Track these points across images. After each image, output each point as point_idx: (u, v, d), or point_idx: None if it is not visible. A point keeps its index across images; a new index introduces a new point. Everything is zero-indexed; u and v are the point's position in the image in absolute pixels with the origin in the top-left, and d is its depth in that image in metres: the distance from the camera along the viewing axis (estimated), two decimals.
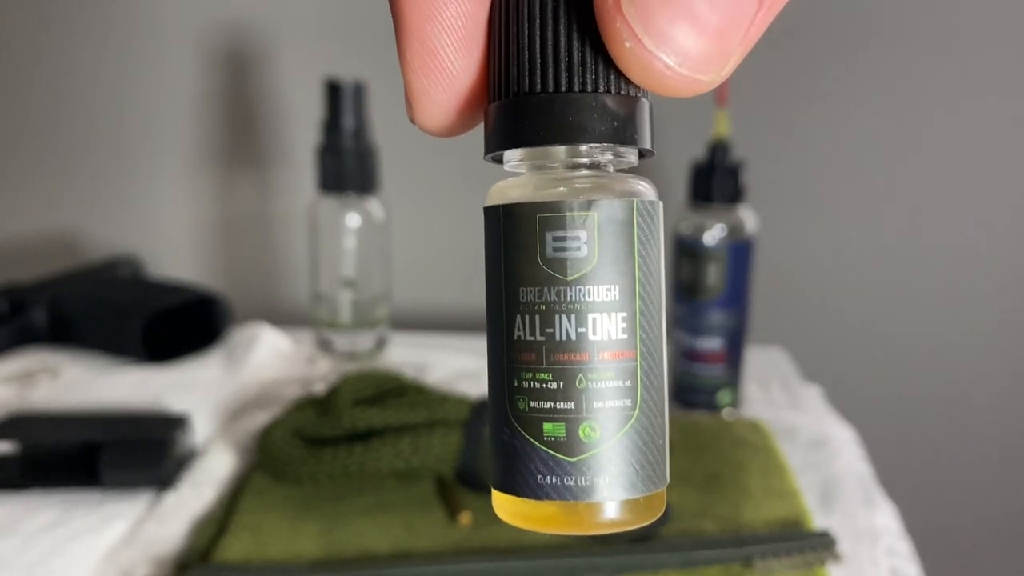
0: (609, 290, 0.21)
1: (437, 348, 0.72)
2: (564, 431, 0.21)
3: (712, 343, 0.59)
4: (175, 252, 0.91)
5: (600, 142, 0.21)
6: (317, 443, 0.48)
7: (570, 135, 0.21)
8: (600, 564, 0.40)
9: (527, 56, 0.21)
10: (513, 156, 0.23)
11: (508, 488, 0.22)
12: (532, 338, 0.21)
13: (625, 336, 0.21)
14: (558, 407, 0.21)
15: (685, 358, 0.60)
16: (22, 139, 0.91)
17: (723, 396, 0.60)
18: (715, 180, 0.58)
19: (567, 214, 0.21)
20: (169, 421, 0.52)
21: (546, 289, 0.21)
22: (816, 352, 0.83)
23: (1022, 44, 0.78)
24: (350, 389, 0.50)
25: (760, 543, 0.41)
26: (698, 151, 0.59)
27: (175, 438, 0.50)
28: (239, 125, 0.87)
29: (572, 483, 0.21)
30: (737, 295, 0.58)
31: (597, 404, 0.21)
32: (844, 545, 0.44)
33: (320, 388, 0.62)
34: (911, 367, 0.88)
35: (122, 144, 0.89)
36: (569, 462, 0.21)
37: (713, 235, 0.58)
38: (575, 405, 0.21)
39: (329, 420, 0.48)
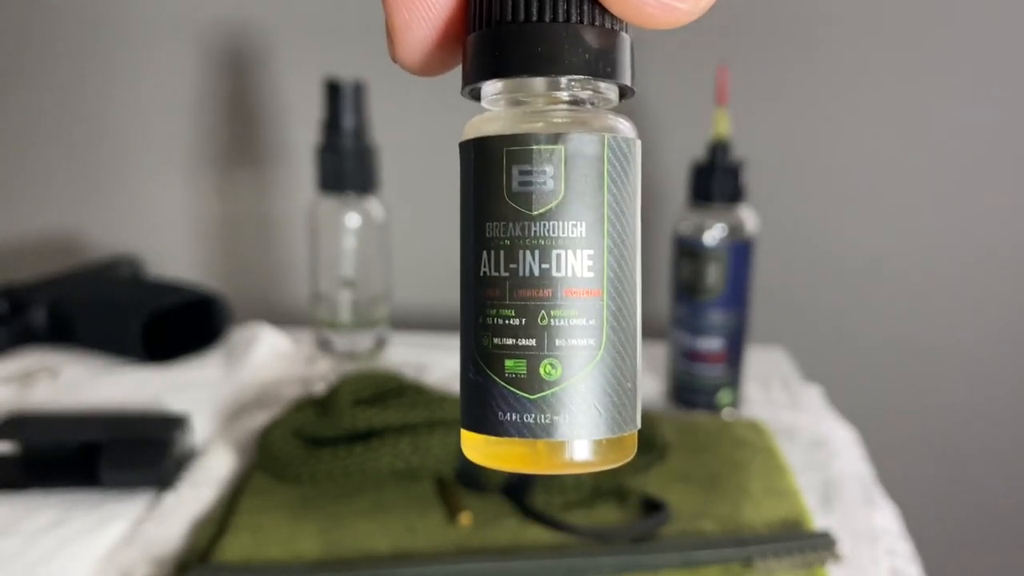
0: (575, 226, 0.21)
1: (437, 348, 0.72)
2: (525, 368, 0.21)
3: (712, 343, 0.59)
4: (175, 252, 0.91)
5: (577, 74, 0.21)
6: (317, 443, 0.48)
7: (547, 66, 0.21)
8: (600, 564, 0.40)
9: None
10: (490, 90, 0.22)
11: (472, 425, 0.22)
12: (496, 274, 0.21)
13: (591, 274, 0.21)
14: (520, 344, 0.21)
15: (685, 358, 0.60)
16: (22, 139, 0.91)
17: (723, 396, 0.60)
18: (715, 180, 0.58)
19: (534, 147, 0.21)
20: (169, 421, 0.52)
21: (511, 224, 0.21)
22: (816, 352, 0.83)
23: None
24: (350, 389, 0.50)
25: (760, 543, 0.41)
26: (698, 151, 0.59)
27: (175, 438, 0.50)
28: (239, 125, 0.87)
29: (531, 420, 0.21)
30: (737, 295, 0.58)
31: (559, 342, 0.21)
32: (844, 545, 0.44)
33: (320, 388, 0.62)
34: (911, 367, 0.88)
35: (122, 144, 0.89)
36: (529, 399, 0.21)
37: (713, 235, 0.58)
38: (536, 342, 0.21)
39: (329, 420, 0.48)
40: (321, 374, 0.66)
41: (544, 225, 0.21)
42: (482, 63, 0.21)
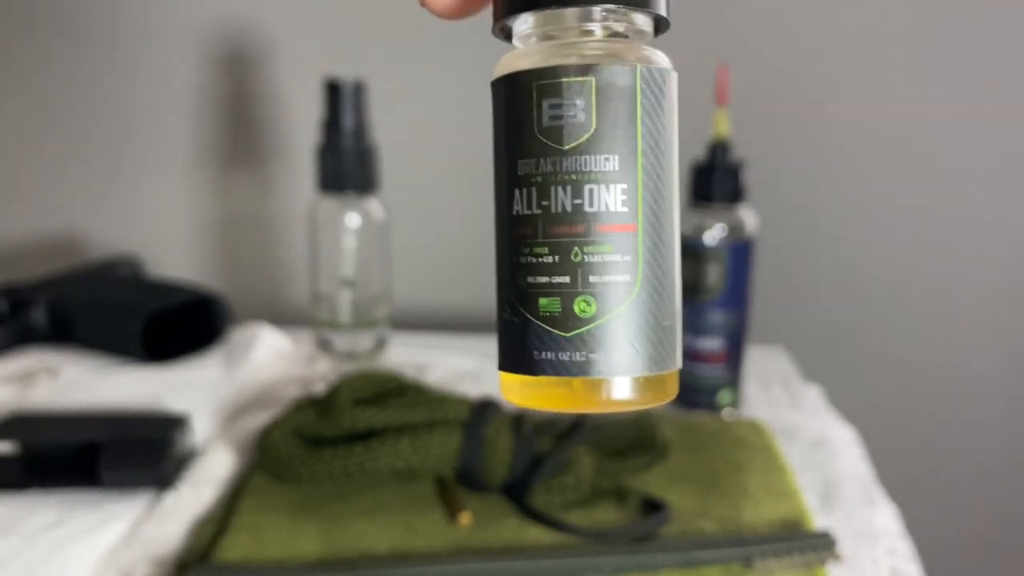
0: (608, 160, 0.20)
1: (437, 348, 0.72)
2: (559, 306, 0.21)
3: (712, 343, 0.59)
4: (175, 252, 0.91)
5: (609, 3, 0.20)
6: (317, 443, 0.48)
7: None
8: (600, 564, 0.40)
9: None
10: (522, 26, 0.22)
11: (509, 366, 0.22)
12: (529, 211, 0.21)
13: (625, 209, 0.21)
14: (554, 281, 0.21)
15: (685, 358, 0.60)
16: (22, 139, 0.91)
17: (723, 396, 0.60)
18: (715, 180, 0.58)
19: (563, 80, 0.20)
20: (169, 421, 0.52)
21: (542, 160, 0.21)
22: (816, 352, 0.83)
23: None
24: (350, 389, 0.50)
25: (760, 543, 0.41)
26: (698, 151, 0.59)
27: (175, 438, 0.50)
28: (239, 125, 0.87)
29: (567, 359, 0.21)
30: (737, 295, 0.58)
31: (593, 278, 0.21)
32: (844, 545, 0.44)
33: (320, 388, 0.62)
34: (912, 367, 0.88)
35: (122, 144, 0.89)
36: (564, 337, 0.21)
37: (713, 235, 0.58)
38: (571, 279, 0.21)
39: (329, 420, 0.48)
40: (321, 374, 0.66)
41: (576, 160, 0.20)
42: None
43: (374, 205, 0.69)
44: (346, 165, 0.66)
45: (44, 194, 0.92)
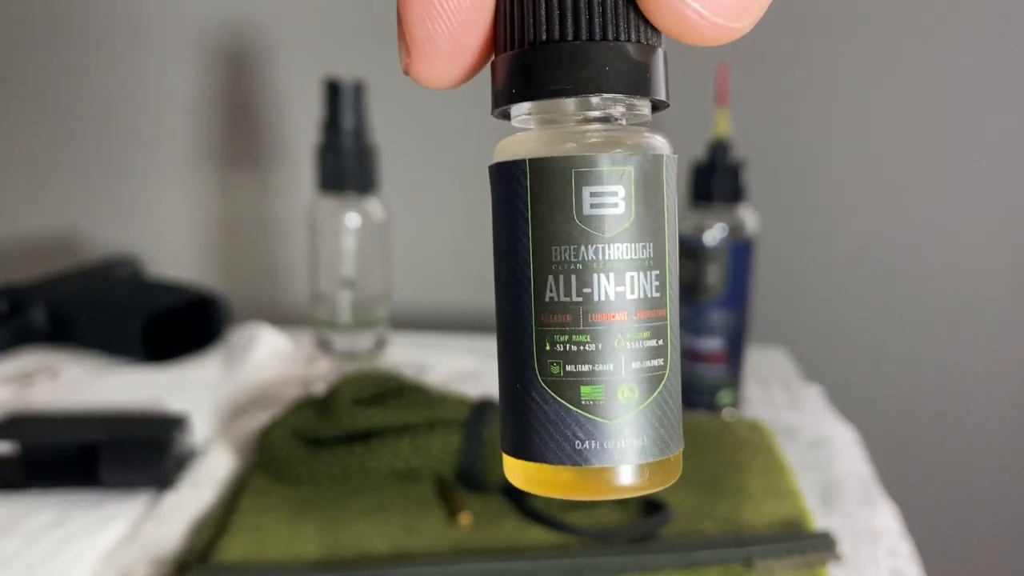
0: (644, 248, 0.21)
1: (437, 348, 0.72)
2: (603, 394, 0.21)
3: (713, 343, 0.59)
4: (175, 252, 0.91)
5: (610, 92, 0.21)
6: (317, 443, 0.48)
7: (579, 87, 0.20)
8: (600, 565, 0.40)
9: (543, 3, 0.20)
10: (521, 110, 0.22)
11: (535, 456, 0.21)
12: (567, 299, 0.21)
13: (658, 295, 0.21)
14: (596, 369, 0.21)
15: (686, 358, 0.60)
16: (22, 139, 0.91)
17: (724, 396, 0.60)
18: (715, 180, 0.58)
19: (605, 169, 0.20)
20: (168, 421, 0.52)
21: (583, 247, 0.21)
22: (817, 352, 0.83)
23: None
24: (350, 389, 0.50)
25: (761, 543, 0.41)
26: (698, 151, 0.59)
27: (174, 438, 0.50)
28: (239, 125, 0.87)
29: (612, 446, 0.21)
30: (738, 295, 0.58)
31: (635, 365, 0.21)
32: (845, 545, 0.44)
33: (320, 388, 0.62)
34: (912, 367, 0.88)
35: (122, 144, 0.89)
36: (608, 425, 0.21)
37: (713, 235, 0.58)
38: (614, 367, 0.21)
39: (329, 420, 0.48)
40: (321, 374, 0.66)
41: (618, 248, 0.21)
42: (515, 86, 0.21)
43: (374, 205, 0.69)
44: (346, 165, 0.66)
45: (44, 194, 0.92)
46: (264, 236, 0.90)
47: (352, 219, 0.68)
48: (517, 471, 0.22)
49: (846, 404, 0.65)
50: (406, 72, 0.21)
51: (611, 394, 0.21)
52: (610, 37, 0.20)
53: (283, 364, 0.70)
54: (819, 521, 0.46)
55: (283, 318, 0.82)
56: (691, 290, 0.58)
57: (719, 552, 0.41)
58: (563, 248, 0.21)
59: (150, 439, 0.50)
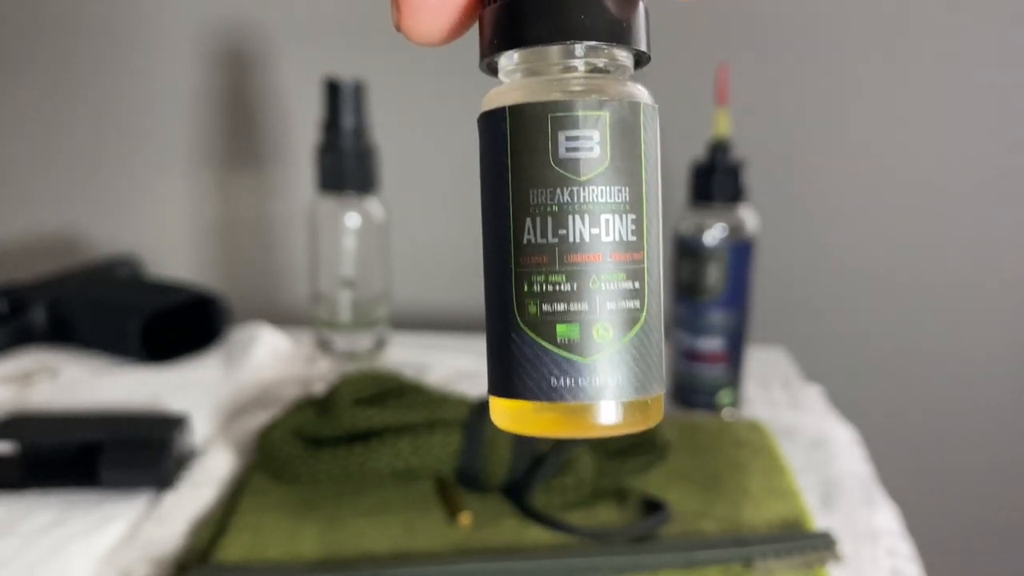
0: (620, 191, 0.21)
1: (436, 348, 0.72)
2: (578, 332, 0.21)
3: (713, 343, 0.59)
4: (175, 252, 0.91)
5: (591, 40, 0.21)
6: (317, 443, 0.48)
7: (562, 34, 0.21)
8: (600, 564, 0.40)
9: None
10: (507, 62, 0.23)
11: (515, 393, 0.22)
12: (544, 240, 0.21)
13: (634, 238, 0.22)
14: (572, 309, 0.21)
15: (685, 358, 0.60)
16: (22, 139, 0.91)
17: (724, 396, 0.60)
18: (715, 180, 0.58)
19: (580, 113, 0.21)
20: (168, 421, 0.52)
21: (559, 190, 0.21)
22: (816, 352, 0.83)
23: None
24: (350, 389, 0.50)
25: (761, 543, 0.41)
26: (698, 151, 0.59)
27: (174, 438, 0.50)
28: (239, 125, 0.88)
29: (586, 384, 0.21)
30: (738, 295, 0.58)
31: (610, 305, 0.21)
32: (845, 545, 0.44)
33: (320, 388, 0.62)
34: (912, 367, 0.88)
35: (122, 144, 0.90)
36: (583, 363, 0.21)
37: (713, 235, 0.58)
38: (589, 306, 0.21)
39: (329, 420, 0.48)
40: (321, 374, 0.67)
41: (593, 190, 0.21)
42: (500, 36, 0.22)
43: (374, 205, 0.69)
44: (346, 165, 0.66)
45: (44, 194, 0.92)
46: (264, 236, 0.90)
47: (352, 219, 0.68)
48: (501, 411, 0.23)
49: (846, 404, 0.65)
50: (397, 28, 0.22)
51: (586, 333, 0.21)
52: None
53: (283, 364, 0.70)
54: (819, 521, 0.46)
55: (283, 318, 0.82)
56: (691, 290, 0.58)
57: (719, 552, 0.41)
58: (540, 191, 0.22)
59: (150, 439, 0.50)
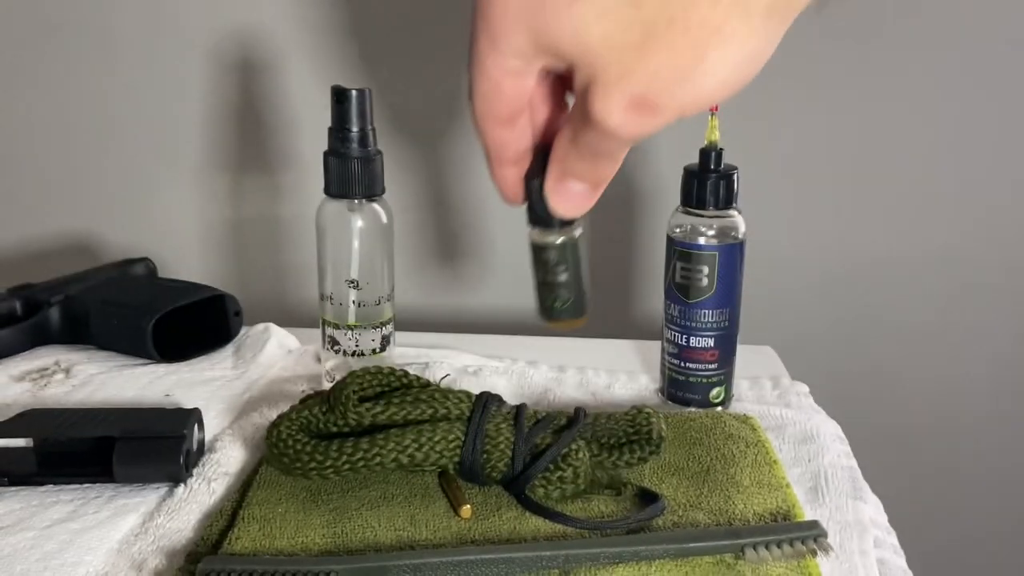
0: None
1: (439, 347, 0.73)
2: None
3: (705, 342, 0.60)
4: (187, 255, 0.92)
5: None
6: (324, 438, 0.49)
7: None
8: (597, 554, 0.41)
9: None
10: None
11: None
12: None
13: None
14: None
15: (678, 356, 0.61)
16: (40, 146, 0.92)
17: (715, 393, 0.61)
18: (707, 185, 0.59)
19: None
20: (181, 417, 0.52)
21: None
22: (807, 352, 0.84)
23: (1020, 42, 0.79)
24: (356, 386, 0.50)
25: (752, 534, 0.42)
26: (691, 157, 0.60)
27: (187, 434, 0.51)
28: (249, 131, 0.88)
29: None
30: (728, 296, 0.59)
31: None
32: (832, 537, 0.44)
33: (327, 385, 0.63)
34: (899, 369, 0.89)
35: (136, 150, 0.90)
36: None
37: (705, 238, 0.59)
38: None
39: (335, 416, 0.49)
40: (328, 372, 0.68)
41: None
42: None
43: (379, 208, 0.70)
44: (352, 170, 0.67)
45: (61, 198, 0.93)
46: (274, 239, 0.91)
47: (358, 222, 0.70)
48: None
49: (831, 401, 0.65)
50: (507, 203, 0.36)
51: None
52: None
53: (292, 362, 0.71)
54: (808, 513, 0.47)
55: (292, 318, 0.83)
56: (683, 291, 0.59)
57: (711, 543, 0.42)
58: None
59: (163, 435, 0.50)
